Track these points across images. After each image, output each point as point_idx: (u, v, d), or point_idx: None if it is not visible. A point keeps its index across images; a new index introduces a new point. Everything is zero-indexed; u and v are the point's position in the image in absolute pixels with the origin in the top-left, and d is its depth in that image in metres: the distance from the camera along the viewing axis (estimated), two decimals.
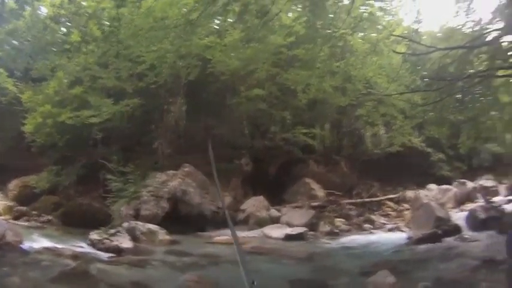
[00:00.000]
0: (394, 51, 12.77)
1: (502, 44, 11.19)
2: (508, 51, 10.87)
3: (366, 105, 17.41)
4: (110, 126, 14.79)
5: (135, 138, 15.66)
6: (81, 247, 9.28)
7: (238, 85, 16.54)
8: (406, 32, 14.62)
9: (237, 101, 16.30)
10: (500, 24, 11.28)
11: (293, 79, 15.14)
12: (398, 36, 12.57)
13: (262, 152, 17.18)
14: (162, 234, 10.65)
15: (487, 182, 19.29)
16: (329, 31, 11.19)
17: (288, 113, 17.74)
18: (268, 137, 17.94)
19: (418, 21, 15.19)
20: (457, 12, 12.85)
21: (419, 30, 16.19)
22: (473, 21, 12.61)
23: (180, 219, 12.25)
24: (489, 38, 11.27)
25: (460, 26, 13.18)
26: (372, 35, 13.98)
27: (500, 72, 11.55)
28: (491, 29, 11.40)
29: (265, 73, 15.97)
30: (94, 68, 14.78)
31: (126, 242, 9.49)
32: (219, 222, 13.13)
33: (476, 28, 12.07)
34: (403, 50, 13.19)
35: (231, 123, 16.55)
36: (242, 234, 12.31)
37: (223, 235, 11.62)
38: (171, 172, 13.45)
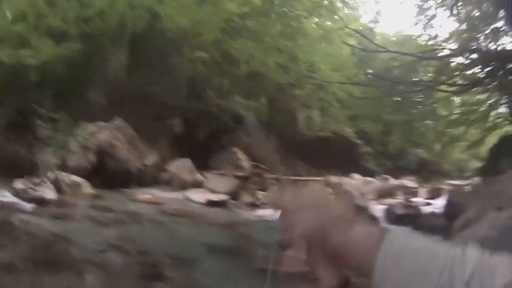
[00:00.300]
0: (344, 42, 13.04)
1: (451, 63, 11.85)
2: (455, 71, 11.52)
3: (305, 87, 17.71)
4: (47, 69, 14.13)
5: (71, 85, 15.07)
6: (5, 196, 8.94)
7: (183, 45, 16.29)
8: (361, 28, 14.99)
9: (179, 60, 16.05)
10: (454, 46, 11.95)
11: (239, 48, 15.13)
12: (352, 29, 12.84)
13: (195, 115, 17.09)
14: (87, 188, 10.36)
15: (409, 182, 20.30)
16: (285, 9, 11.26)
17: (226, 80, 17.73)
18: (204, 102, 17.88)
19: (375, 21, 15.69)
20: (416, 23, 13.44)
21: (374, 29, 16.72)
22: (429, 35, 13.26)
23: (106, 173, 11.95)
24: (440, 54, 11.89)
25: (415, 37, 13.79)
26: (327, 23, 14.18)
27: (442, 87, 12.20)
28: (444, 47, 12.04)
29: (212, 37, 15.82)
30: (41, 4, 14.02)
31: (50, 193, 9.15)
32: (143, 180, 13.06)
33: (430, 42, 12.69)
34: (354, 43, 13.52)
35: (168, 81, 16.31)
36: (164, 195, 12.28)
37: (146, 193, 11.52)
38: (101, 124, 12.93)
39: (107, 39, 14.83)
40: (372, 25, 16.29)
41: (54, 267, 4.58)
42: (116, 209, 8.76)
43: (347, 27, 12.67)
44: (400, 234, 0.74)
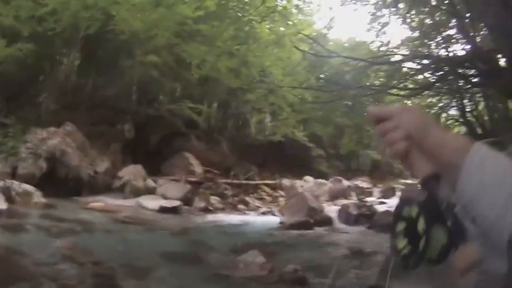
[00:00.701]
0: (295, 47, 13.11)
1: (402, 68, 12.14)
2: (406, 76, 11.82)
3: (256, 91, 17.75)
4: None
5: (21, 88, 14.53)
6: None
7: (135, 48, 15.99)
8: (314, 33, 15.12)
9: (130, 64, 15.74)
10: (406, 52, 12.27)
11: (191, 52, 15.00)
12: (305, 35, 12.93)
13: (146, 120, 16.81)
14: (38, 197, 9.96)
15: (362, 183, 20.66)
16: (239, 14, 11.23)
17: (178, 85, 17.55)
18: (155, 106, 17.64)
19: (329, 28, 15.90)
20: (369, 30, 13.69)
21: (327, 35, 16.92)
22: (381, 41, 13.53)
23: (57, 181, 11.57)
24: (392, 59, 12.16)
25: (368, 43, 14.04)
26: (281, 28, 14.24)
27: (393, 91, 12.47)
28: (396, 53, 12.34)
29: (164, 41, 15.59)
30: None
31: (0, 203, 8.83)
32: (95, 187, 12.80)
33: (383, 48, 12.95)
34: (306, 49, 13.62)
35: (120, 85, 15.99)
36: (117, 202, 12.09)
37: (98, 201, 11.31)
38: (52, 129, 12.47)
39: (59, 40, 14.39)
40: (325, 31, 16.46)
41: (8, 281, 4.36)
42: (68, 218, 8.53)
43: (300, 32, 12.72)
44: (485, 146, 0.83)
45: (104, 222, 8.94)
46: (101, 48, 15.92)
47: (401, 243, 0.87)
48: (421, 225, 0.82)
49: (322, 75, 13.86)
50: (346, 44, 21.09)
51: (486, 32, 10.08)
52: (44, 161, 11.57)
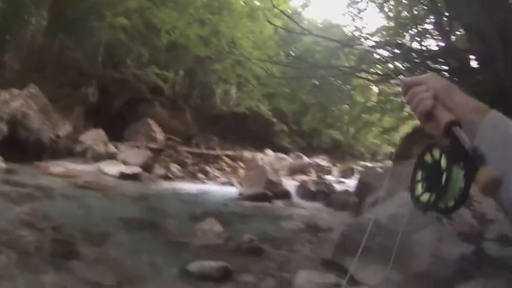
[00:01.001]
0: (268, 21, 13.04)
1: (373, 53, 12.25)
2: (376, 62, 11.92)
3: (224, 62, 17.64)
4: None
5: None
6: None
7: (106, 9, 15.60)
8: (289, 10, 15.04)
9: (100, 25, 15.35)
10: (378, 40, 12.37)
11: (162, 18, 14.78)
12: (280, 10, 12.82)
13: (111, 84, 16.54)
14: None
15: (322, 161, 20.93)
16: None
17: (146, 50, 17.29)
18: (120, 70, 17.35)
19: (305, 6, 15.81)
20: (345, 14, 13.71)
21: (302, 14, 16.86)
22: (356, 26, 13.58)
23: (17, 145, 11.23)
24: (364, 44, 12.25)
25: (343, 26, 14.05)
26: (255, 2, 14.11)
27: (362, 75, 12.60)
28: (369, 39, 12.43)
29: (136, 4, 15.28)
30: None
31: None
32: (56, 151, 12.52)
33: (356, 33, 13.01)
34: (279, 24, 13.55)
35: (87, 47, 15.62)
36: (77, 167, 11.87)
37: (59, 166, 11.07)
38: (15, 91, 12.01)
39: None
40: (300, 9, 16.40)
41: None
42: (29, 183, 8.37)
43: (275, 7, 12.60)
44: (500, 114, 0.95)
45: (64, 188, 8.79)
46: (71, 8, 15.45)
47: (420, 190, 0.96)
48: (443, 163, 0.90)
49: (292, 52, 13.85)
50: (320, 25, 21.16)
51: (462, 32, 10.26)
52: (5, 124, 11.19)
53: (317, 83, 14.18)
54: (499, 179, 0.83)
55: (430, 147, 0.97)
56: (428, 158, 0.97)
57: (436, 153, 0.94)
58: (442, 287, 3.52)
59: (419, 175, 0.98)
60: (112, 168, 12.09)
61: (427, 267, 3.68)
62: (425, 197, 0.94)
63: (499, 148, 0.87)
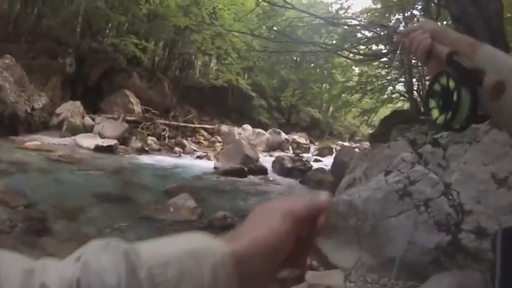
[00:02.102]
0: None
1: (357, 33, 12.17)
2: (359, 41, 11.86)
3: (204, 33, 17.42)
4: None
5: None
6: None
7: None
8: None
9: None
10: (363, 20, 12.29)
11: None
12: None
13: (89, 54, 16.20)
14: None
15: (300, 138, 20.94)
16: None
17: (125, 18, 16.94)
18: (98, 40, 17.00)
19: None
20: None
21: None
22: (341, 4, 13.44)
23: None
24: (348, 23, 12.16)
25: (328, 3, 13.89)
26: None
27: (344, 54, 12.53)
28: (353, 18, 12.33)
29: None
30: None
31: None
32: (32, 125, 12.37)
33: (341, 12, 12.89)
34: None
35: (65, 15, 15.18)
36: (53, 141, 11.75)
37: (35, 140, 10.96)
38: None
39: None
40: None
41: None
42: (3, 159, 8.20)
43: None
44: (490, 46, 1.04)
45: (38, 162, 8.68)
46: None
47: (436, 114, 1.06)
48: (451, 85, 1.00)
49: (274, 27, 13.69)
50: (304, 1, 20.96)
51: (449, 21, 10.22)
52: None
53: (298, 59, 14.08)
54: (503, 82, 0.89)
55: (437, 77, 1.06)
56: (437, 86, 1.06)
57: (444, 80, 1.03)
58: (416, 275, 3.51)
59: (432, 103, 1.09)
60: (88, 141, 11.96)
61: (401, 253, 3.67)
62: (441, 118, 1.05)
63: (494, 66, 0.97)
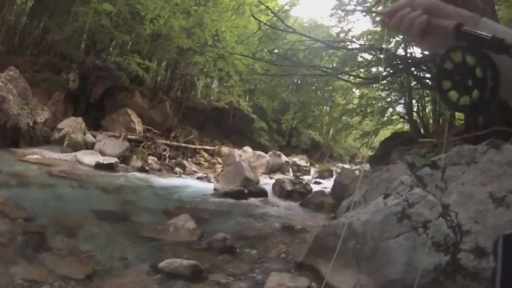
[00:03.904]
0: (253, 17, 12.97)
1: (357, 56, 12.24)
2: (360, 65, 11.90)
3: (206, 54, 17.57)
4: None
5: None
6: None
7: None
8: (276, 8, 15.06)
9: (84, 10, 15.08)
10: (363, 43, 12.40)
11: (147, 6, 14.69)
12: (266, 6, 12.75)
13: (92, 71, 16.34)
14: None
15: (300, 160, 20.94)
16: None
17: (129, 37, 17.12)
18: (102, 57, 17.15)
19: (293, 4, 15.76)
20: (332, 15, 13.67)
21: (289, 12, 16.81)
22: (341, 28, 13.56)
23: None
24: (349, 47, 12.25)
25: (329, 27, 13.98)
26: None
27: (344, 77, 12.61)
28: (354, 41, 12.41)
29: None
30: None
31: None
32: (33, 138, 12.45)
33: (342, 35, 12.99)
34: (263, 20, 13.51)
35: (70, 31, 15.36)
36: (54, 155, 11.80)
37: (36, 153, 11.00)
38: None
39: None
40: (287, 7, 16.47)
41: None
42: (4, 170, 8.22)
43: (261, 2, 12.50)
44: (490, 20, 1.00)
45: (39, 176, 8.71)
46: None
47: (454, 95, 0.98)
48: (470, 59, 0.93)
49: (275, 50, 13.82)
50: (305, 24, 21.20)
51: None
52: None
53: (299, 82, 14.19)
54: None
55: (447, 54, 0.98)
56: (448, 65, 0.98)
57: (457, 55, 0.96)
58: None
59: (446, 84, 0.99)
60: (88, 158, 11.99)
61: (400, 275, 3.67)
62: (465, 100, 0.96)
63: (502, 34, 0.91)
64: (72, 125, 13.76)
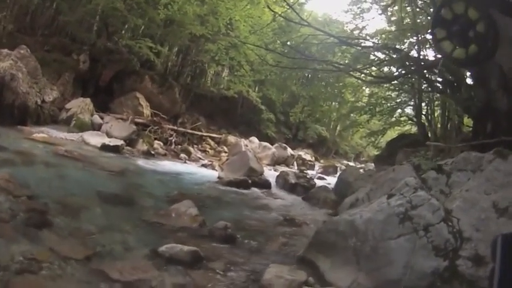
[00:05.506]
0: (268, 7, 12.92)
1: (370, 54, 12.19)
2: (372, 63, 11.85)
3: (219, 43, 17.54)
4: None
5: None
6: None
7: None
8: (292, 0, 14.99)
9: None
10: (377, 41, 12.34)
11: None
12: None
13: (103, 54, 16.34)
14: None
15: (306, 154, 20.93)
16: None
17: (142, 21, 17.10)
18: (114, 40, 17.13)
19: None
20: (347, 11, 13.61)
21: (305, 5, 16.74)
22: (356, 25, 13.49)
23: (2, 107, 10.90)
24: (362, 44, 12.20)
25: (344, 23, 13.90)
26: None
27: (356, 74, 12.56)
28: (367, 39, 12.36)
29: None
30: None
31: None
32: (41, 117, 12.51)
33: (355, 32, 12.93)
34: (278, 11, 13.46)
35: (82, 14, 15.34)
36: (61, 135, 11.84)
37: (43, 132, 11.00)
38: (4, 51, 11.73)
39: None
40: (303, 0, 16.38)
41: None
42: (10, 148, 8.25)
43: None
44: None
45: (44, 155, 8.73)
46: None
47: (448, 46, 0.91)
48: (473, 14, 0.87)
49: (288, 42, 13.76)
50: (320, 18, 21.11)
51: None
52: None
53: (309, 76, 14.13)
54: None
55: (448, 3, 0.93)
56: (447, 13, 0.93)
57: (459, 7, 0.92)
58: None
59: (440, 33, 0.95)
60: (95, 139, 12.02)
61: (399, 276, 3.67)
62: (460, 53, 0.92)
63: None
64: (80, 106, 13.80)
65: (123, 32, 17.68)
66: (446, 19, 0.83)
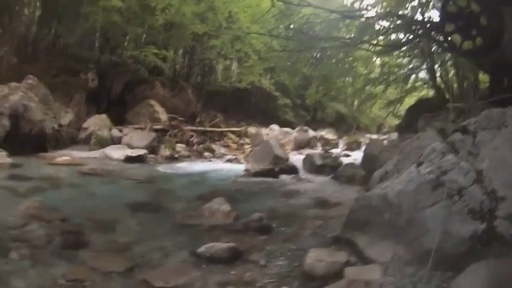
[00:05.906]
0: None
1: (375, 24, 12.04)
2: (378, 33, 11.69)
3: (222, 37, 17.49)
4: None
5: None
6: None
7: None
8: None
9: (93, 10, 15.05)
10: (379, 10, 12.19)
11: None
12: None
13: (110, 68, 16.44)
14: (3, 157, 9.37)
15: (327, 134, 20.77)
16: None
17: (142, 30, 17.13)
18: (118, 53, 17.20)
19: None
20: None
21: None
22: None
23: (20, 138, 11.01)
24: (365, 15, 12.05)
25: None
26: None
27: (364, 46, 12.40)
28: (370, 10, 12.22)
29: None
30: None
31: None
32: (60, 140, 12.67)
33: (356, 4, 12.78)
34: None
35: (82, 33, 15.43)
36: (82, 154, 11.99)
37: (64, 155, 11.16)
38: (13, 85, 11.85)
39: None
40: None
41: None
42: (35, 176, 8.34)
43: None
44: None
45: (70, 177, 8.83)
46: None
47: (457, 38, 0.93)
48: (475, 6, 0.87)
49: (291, 25, 13.65)
50: None
51: None
52: (6, 118, 11.03)
53: (318, 55, 13.98)
54: None
55: None
56: (452, 7, 0.93)
57: (462, 0, 0.92)
58: (453, 265, 3.47)
59: (449, 27, 0.96)
60: (117, 153, 12.13)
61: (437, 244, 3.63)
62: (468, 44, 0.93)
63: None
64: (97, 123, 13.95)
65: (126, 43, 17.75)
66: (452, 13, 0.82)
